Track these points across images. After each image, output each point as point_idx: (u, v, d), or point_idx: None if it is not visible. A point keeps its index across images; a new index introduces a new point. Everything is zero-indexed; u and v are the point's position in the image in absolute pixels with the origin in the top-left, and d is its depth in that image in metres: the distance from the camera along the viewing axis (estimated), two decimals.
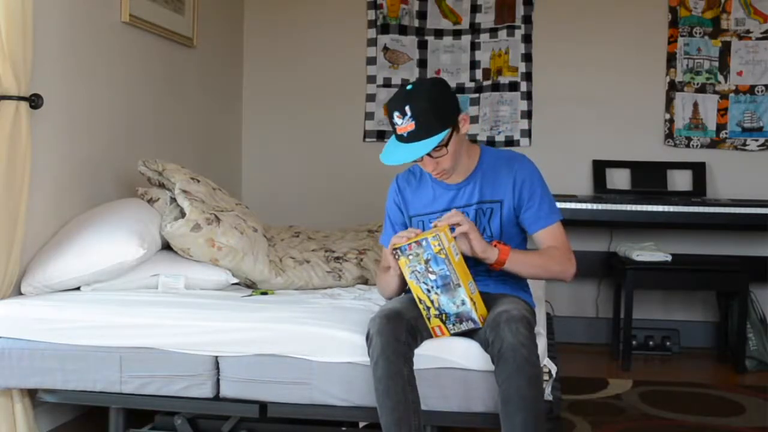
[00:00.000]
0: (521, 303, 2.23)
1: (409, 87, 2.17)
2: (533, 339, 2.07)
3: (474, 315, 2.15)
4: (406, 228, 2.33)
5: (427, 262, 2.11)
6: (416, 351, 2.16)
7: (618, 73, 4.44)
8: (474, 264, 2.25)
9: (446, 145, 2.18)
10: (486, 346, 2.12)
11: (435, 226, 2.19)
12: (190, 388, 2.35)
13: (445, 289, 2.13)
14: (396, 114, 2.14)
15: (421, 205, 2.38)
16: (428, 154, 2.17)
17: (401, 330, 2.09)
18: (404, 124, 2.13)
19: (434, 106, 2.13)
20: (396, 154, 2.16)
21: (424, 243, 2.10)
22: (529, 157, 2.37)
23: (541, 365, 2.18)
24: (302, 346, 2.29)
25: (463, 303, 2.14)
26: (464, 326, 2.17)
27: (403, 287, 2.36)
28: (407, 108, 2.12)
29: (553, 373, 2.24)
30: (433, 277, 2.12)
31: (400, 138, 2.17)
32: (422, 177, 2.41)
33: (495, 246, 2.21)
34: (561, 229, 2.31)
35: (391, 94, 2.67)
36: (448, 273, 2.11)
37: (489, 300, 2.23)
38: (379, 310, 2.20)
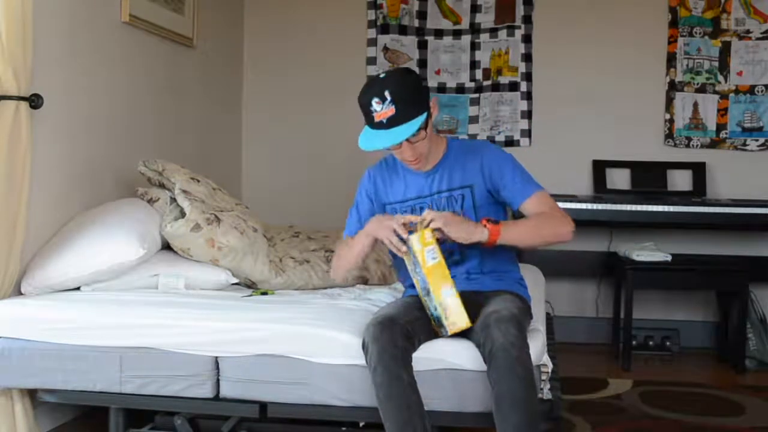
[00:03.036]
0: (514, 301, 2.23)
1: (382, 75, 2.21)
2: (524, 338, 2.06)
3: (444, 322, 2.12)
4: (372, 216, 2.33)
5: (414, 263, 2.13)
6: (413, 354, 2.14)
7: (618, 73, 4.43)
8: (465, 259, 2.27)
9: (425, 128, 2.20)
10: (479, 346, 2.11)
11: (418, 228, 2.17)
12: (190, 388, 2.36)
13: (426, 293, 2.14)
14: (375, 100, 2.15)
15: (395, 194, 2.40)
16: (407, 140, 2.18)
17: (397, 335, 2.08)
18: (384, 109, 2.14)
19: (411, 91, 2.18)
20: (377, 140, 2.17)
21: (409, 242, 2.12)
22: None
23: (539, 363, 2.18)
24: (302, 346, 2.29)
25: (436, 309, 2.13)
26: (442, 332, 2.16)
27: (355, 265, 2.39)
28: (386, 93, 2.14)
29: (550, 370, 2.23)
30: (417, 278, 2.14)
31: (378, 125, 2.17)
32: (394, 167, 2.43)
33: (484, 225, 2.19)
34: (545, 195, 2.30)
35: None
36: (423, 277, 2.11)
37: (482, 299, 2.23)
38: (372, 317, 2.19)
